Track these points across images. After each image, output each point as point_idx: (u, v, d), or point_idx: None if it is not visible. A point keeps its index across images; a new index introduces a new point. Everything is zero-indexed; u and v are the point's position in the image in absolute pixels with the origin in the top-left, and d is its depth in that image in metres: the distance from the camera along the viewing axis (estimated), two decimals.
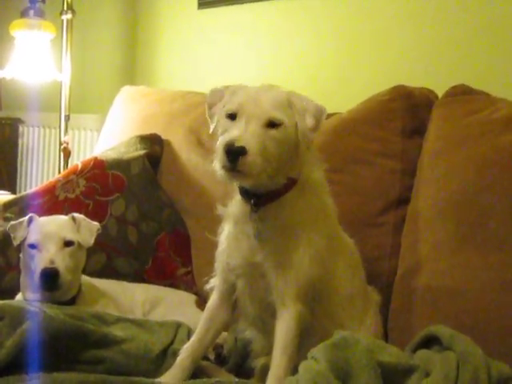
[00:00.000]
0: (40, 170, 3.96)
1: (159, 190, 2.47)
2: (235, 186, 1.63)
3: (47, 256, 1.82)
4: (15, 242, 1.91)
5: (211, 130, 1.62)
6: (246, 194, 1.60)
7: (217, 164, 1.48)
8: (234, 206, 1.65)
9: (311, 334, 1.58)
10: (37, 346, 1.60)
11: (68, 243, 1.88)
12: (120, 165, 2.42)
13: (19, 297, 1.93)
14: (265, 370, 1.61)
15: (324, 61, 2.68)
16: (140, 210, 2.37)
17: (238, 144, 1.44)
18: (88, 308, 1.87)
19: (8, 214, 2.20)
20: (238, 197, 1.64)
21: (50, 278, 1.80)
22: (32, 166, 4.02)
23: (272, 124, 1.50)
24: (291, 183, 1.59)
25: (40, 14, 3.09)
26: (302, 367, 1.37)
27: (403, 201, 1.99)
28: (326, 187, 1.68)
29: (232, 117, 1.53)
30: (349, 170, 2.06)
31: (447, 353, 1.45)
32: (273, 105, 1.52)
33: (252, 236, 1.58)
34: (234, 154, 1.43)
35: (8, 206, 2.24)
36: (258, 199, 1.58)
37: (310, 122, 1.55)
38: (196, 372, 1.66)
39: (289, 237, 1.58)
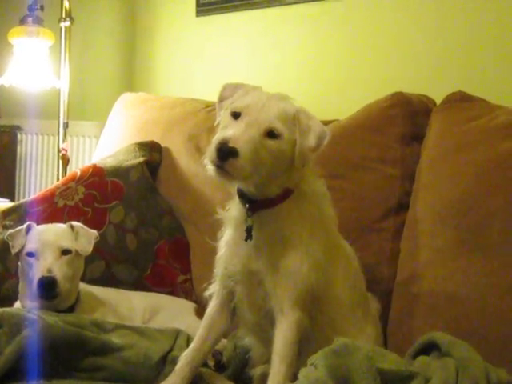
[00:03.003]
0: (39, 178, 3.96)
1: (158, 197, 2.46)
2: (234, 189, 1.63)
3: (45, 265, 1.82)
4: (13, 251, 1.90)
5: (215, 123, 1.61)
6: (242, 197, 1.59)
7: (207, 157, 1.47)
8: (233, 209, 1.65)
9: (312, 342, 1.57)
10: (36, 354, 1.59)
11: (66, 251, 1.87)
12: (119, 172, 2.41)
13: (17, 305, 1.92)
14: (263, 377, 1.61)
15: (323, 68, 2.68)
16: (139, 218, 2.36)
17: (231, 144, 1.42)
18: (87, 316, 1.86)
19: (7, 222, 2.20)
20: (236, 199, 1.63)
21: (47, 287, 1.79)
22: (31, 173, 4.01)
23: (271, 134, 1.49)
24: (287, 193, 1.58)
25: (38, 22, 3.10)
26: (301, 374, 1.37)
27: (403, 206, 1.99)
28: (328, 197, 1.66)
29: (236, 115, 1.51)
30: (348, 176, 2.06)
31: (446, 359, 1.45)
32: (278, 115, 1.50)
33: (243, 240, 1.57)
34: (225, 153, 1.43)
35: (7, 213, 2.24)
36: (253, 204, 1.57)
37: (311, 142, 1.53)
38: (195, 379, 1.66)
39: (285, 245, 1.56)
